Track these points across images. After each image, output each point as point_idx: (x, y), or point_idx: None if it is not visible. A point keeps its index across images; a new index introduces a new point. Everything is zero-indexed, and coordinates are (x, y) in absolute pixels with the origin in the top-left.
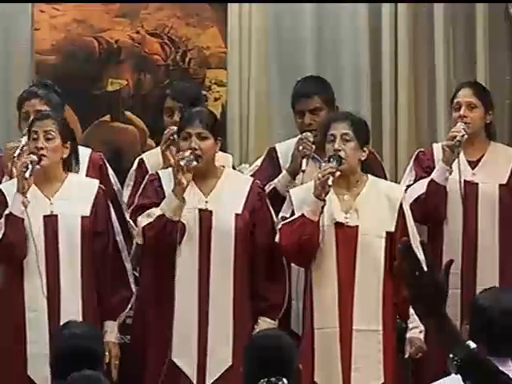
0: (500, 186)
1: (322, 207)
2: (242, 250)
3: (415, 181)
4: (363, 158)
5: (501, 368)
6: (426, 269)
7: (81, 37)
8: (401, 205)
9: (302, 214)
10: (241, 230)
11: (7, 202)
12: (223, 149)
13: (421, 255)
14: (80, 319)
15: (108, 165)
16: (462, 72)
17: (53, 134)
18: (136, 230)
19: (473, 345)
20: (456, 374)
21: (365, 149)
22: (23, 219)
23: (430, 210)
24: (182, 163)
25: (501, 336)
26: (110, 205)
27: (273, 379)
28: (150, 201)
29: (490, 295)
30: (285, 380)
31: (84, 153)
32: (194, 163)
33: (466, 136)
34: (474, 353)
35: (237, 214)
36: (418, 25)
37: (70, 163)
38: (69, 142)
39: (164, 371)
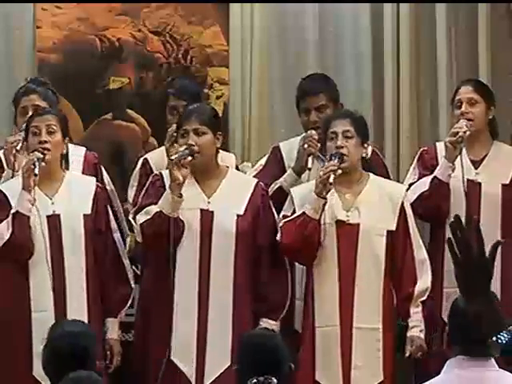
0: (503, 185)
1: (324, 205)
2: (242, 250)
3: (418, 179)
4: (364, 155)
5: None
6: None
7: (83, 35)
8: (402, 204)
9: (304, 212)
10: (242, 230)
11: (9, 201)
12: (225, 147)
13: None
14: (86, 317)
15: (102, 165)
16: (464, 71)
17: (54, 128)
18: (136, 229)
19: None
20: (498, 356)
21: (365, 145)
22: (29, 217)
23: (432, 207)
24: (172, 157)
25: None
26: (108, 202)
27: (261, 378)
28: (153, 201)
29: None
30: (274, 379)
31: (79, 152)
32: (189, 158)
33: (468, 132)
34: None
35: (238, 215)
36: (420, 24)
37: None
38: (67, 138)
39: (162, 370)
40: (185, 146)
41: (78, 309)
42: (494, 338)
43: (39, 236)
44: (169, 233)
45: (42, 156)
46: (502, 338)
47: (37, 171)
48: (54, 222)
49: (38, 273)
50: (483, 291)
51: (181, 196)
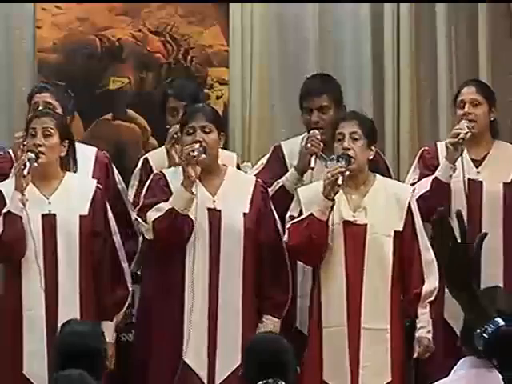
0: (504, 184)
1: (332, 207)
2: (250, 248)
3: (419, 179)
4: (371, 157)
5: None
6: (459, 241)
7: (83, 35)
8: (409, 204)
9: (311, 214)
10: (249, 229)
11: (5, 201)
12: (225, 147)
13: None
14: (78, 318)
15: (112, 164)
16: (464, 71)
17: (51, 131)
18: (145, 227)
19: (502, 322)
20: (482, 350)
21: (372, 148)
22: (21, 217)
23: (433, 207)
24: (194, 154)
25: None
26: (107, 204)
27: (270, 380)
28: (157, 199)
29: (487, 295)
30: (283, 382)
31: (90, 152)
32: (203, 156)
33: (469, 134)
34: (502, 330)
35: (244, 214)
36: (420, 25)
37: (67, 162)
38: (66, 141)
39: (178, 374)
40: (198, 144)
41: (69, 309)
42: (479, 330)
43: (33, 235)
44: (180, 230)
45: (34, 157)
46: (489, 328)
47: (25, 172)
48: (49, 221)
49: (30, 271)
50: (465, 286)
51: (193, 193)
